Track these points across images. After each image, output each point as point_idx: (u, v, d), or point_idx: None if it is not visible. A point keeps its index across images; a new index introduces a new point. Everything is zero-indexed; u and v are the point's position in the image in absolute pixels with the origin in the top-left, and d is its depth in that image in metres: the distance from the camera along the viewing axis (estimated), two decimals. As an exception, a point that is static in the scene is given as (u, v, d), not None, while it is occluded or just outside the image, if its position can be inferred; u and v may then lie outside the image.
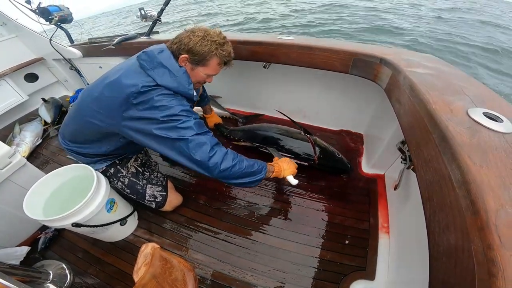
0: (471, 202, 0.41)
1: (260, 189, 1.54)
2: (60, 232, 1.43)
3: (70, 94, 2.86)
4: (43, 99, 2.52)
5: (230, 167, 1.00)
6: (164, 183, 1.41)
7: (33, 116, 2.52)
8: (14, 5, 1.97)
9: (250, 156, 1.14)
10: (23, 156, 1.51)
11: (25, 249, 1.27)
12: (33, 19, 2.07)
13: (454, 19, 10.40)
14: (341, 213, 1.38)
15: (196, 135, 0.96)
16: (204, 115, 1.90)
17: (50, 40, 2.19)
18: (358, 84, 1.48)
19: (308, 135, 1.56)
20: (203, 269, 1.21)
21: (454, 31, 8.59)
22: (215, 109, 2.00)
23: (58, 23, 2.08)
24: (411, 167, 1.05)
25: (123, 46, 1.93)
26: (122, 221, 1.27)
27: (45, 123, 2.40)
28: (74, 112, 1.16)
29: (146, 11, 1.89)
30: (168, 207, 1.39)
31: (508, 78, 5.60)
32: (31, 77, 2.57)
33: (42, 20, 2.06)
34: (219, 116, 2.00)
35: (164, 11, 1.87)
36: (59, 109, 2.50)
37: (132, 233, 1.39)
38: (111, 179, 1.28)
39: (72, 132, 1.19)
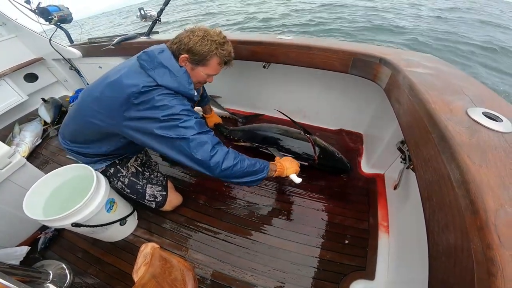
0: (471, 202, 0.41)
1: (260, 189, 1.54)
2: (60, 232, 1.43)
3: (70, 94, 2.85)
4: (43, 99, 2.52)
5: (231, 166, 1.00)
6: (164, 183, 1.41)
7: (32, 116, 2.52)
8: (14, 5, 1.97)
9: (250, 156, 1.14)
10: (23, 156, 1.51)
11: (25, 249, 1.27)
12: (32, 19, 2.07)
13: (454, 19, 10.40)
14: (341, 213, 1.38)
15: (197, 134, 0.96)
16: (204, 115, 1.90)
17: (50, 40, 2.19)
18: (358, 84, 1.48)
19: (308, 135, 1.56)
20: (203, 269, 1.21)
21: (453, 30, 8.60)
22: (214, 109, 2.00)
23: (58, 23, 2.08)
24: (411, 167, 1.05)
25: (123, 46, 1.93)
26: (122, 221, 1.27)
27: (45, 123, 2.41)
28: (74, 112, 1.16)
29: (146, 11, 1.89)
30: (168, 207, 1.39)
31: (507, 77, 5.60)
32: (31, 77, 2.57)
33: (41, 20, 2.06)
34: (219, 116, 2.00)
35: (164, 11, 1.87)
36: (59, 109, 2.50)
37: (132, 233, 1.40)
38: (111, 179, 1.28)
39: (72, 132, 1.19)
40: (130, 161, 1.35)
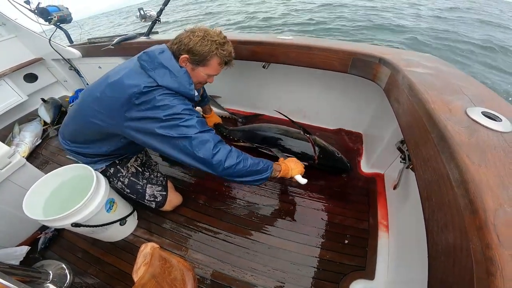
0: (470, 201, 0.41)
1: (259, 189, 1.54)
2: (59, 232, 1.43)
3: (70, 94, 2.85)
4: (43, 99, 2.52)
5: (234, 164, 1.00)
6: (164, 183, 1.41)
7: (32, 116, 2.52)
8: (13, 5, 1.97)
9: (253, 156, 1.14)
10: (23, 156, 1.51)
11: (25, 249, 1.27)
12: (32, 19, 2.07)
13: (454, 19, 10.41)
14: (341, 212, 1.38)
15: (199, 133, 0.96)
16: (204, 115, 1.90)
17: (50, 40, 2.19)
18: (357, 84, 1.48)
19: (308, 135, 1.56)
20: (202, 269, 1.21)
21: (453, 29, 8.61)
22: (214, 109, 2.01)
23: (57, 23, 2.08)
24: (410, 167, 1.05)
25: (123, 46, 1.93)
26: (122, 221, 1.27)
27: (45, 123, 2.40)
28: (74, 112, 1.16)
29: (145, 11, 1.89)
30: (168, 207, 1.39)
31: (507, 76, 5.61)
32: (31, 77, 2.57)
33: (41, 20, 2.06)
34: (219, 116, 2.00)
35: (163, 11, 1.87)
36: (59, 109, 2.50)
37: (131, 233, 1.40)
38: (110, 179, 1.28)
39: (72, 132, 1.19)
40: (130, 161, 1.35)
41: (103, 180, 1.18)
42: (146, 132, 0.97)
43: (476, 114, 0.60)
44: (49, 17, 2.02)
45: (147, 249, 0.63)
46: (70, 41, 2.48)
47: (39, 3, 1.98)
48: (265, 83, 1.92)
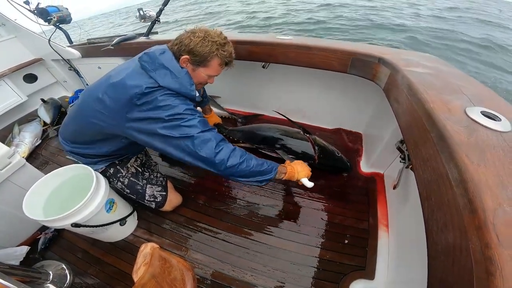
0: (469, 201, 0.41)
1: (260, 189, 1.54)
2: (59, 233, 1.43)
3: (69, 94, 2.85)
4: (42, 100, 2.52)
5: (237, 164, 0.99)
6: (164, 183, 1.41)
7: (32, 116, 2.52)
8: (13, 5, 1.97)
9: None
10: (23, 157, 1.50)
11: (25, 249, 1.27)
12: (31, 20, 2.07)
13: (453, 18, 10.42)
14: (341, 212, 1.38)
15: (201, 132, 0.96)
16: (204, 115, 1.90)
17: (49, 40, 2.19)
18: (357, 84, 1.48)
19: (308, 135, 1.56)
20: (202, 269, 1.21)
21: (452, 29, 8.62)
22: (214, 109, 2.00)
23: (57, 24, 2.07)
24: (410, 167, 1.05)
25: (122, 47, 1.93)
26: (122, 221, 1.28)
27: (44, 123, 2.40)
28: (75, 113, 1.16)
29: (145, 11, 1.89)
30: (167, 207, 1.39)
31: (507, 75, 5.61)
32: (30, 78, 2.57)
33: (40, 21, 2.06)
34: (218, 116, 2.00)
35: (163, 11, 1.87)
36: (58, 110, 2.50)
37: (131, 233, 1.39)
38: (110, 179, 1.28)
39: (72, 133, 1.19)
40: (130, 161, 1.35)
41: (103, 180, 1.18)
42: (148, 133, 0.97)
43: (475, 113, 0.60)
44: (48, 18, 2.02)
45: (147, 249, 0.63)
46: (70, 41, 2.48)
47: (38, 3, 1.98)
48: (264, 83, 1.92)
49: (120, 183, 1.29)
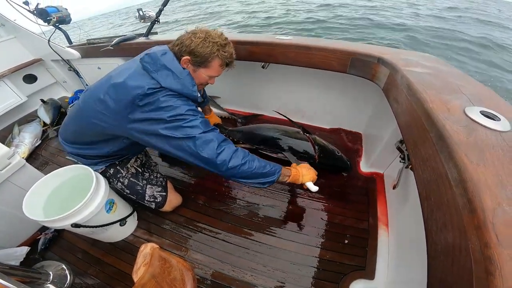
0: (468, 201, 0.41)
1: (259, 189, 1.54)
2: (59, 233, 1.43)
3: (69, 95, 2.85)
4: (42, 100, 2.51)
5: (239, 165, 0.99)
6: (163, 183, 1.41)
7: (32, 117, 2.52)
8: (12, 6, 1.97)
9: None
10: (22, 157, 1.51)
11: (25, 249, 1.27)
12: (31, 20, 2.07)
13: (453, 18, 10.43)
14: (341, 212, 1.38)
15: (202, 133, 0.96)
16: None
17: (49, 41, 2.19)
18: (356, 83, 1.48)
19: (308, 134, 1.56)
20: (202, 269, 1.21)
21: (452, 28, 8.63)
22: (214, 110, 2.00)
23: (56, 24, 2.07)
24: (410, 166, 1.05)
25: (122, 47, 1.93)
26: (122, 221, 1.28)
27: (44, 124, 2.40)
28: (75, 113, 1.16)
29: (145, 12, 1.89)
30: (167, 207, 1.39)
31: (506, 73, 5.62)
32: (30, 78, 2.57)
33: (40, 21, 2.05)
34: (218, 116, 2.00)
35: (163, 12, 1.87)
36: (58, 110, 2.50)
37: (131, 234, 1.39)
38: (110, 180, 1.28)
39: (72, 133, 1.19)
40: (130, 162, 1.35)
41: (102, 180, 1.18)
42: (150, 133, 0.97)
43: (474, 113, 0.60)
44: (48, 18, 2.01)
45: (147, 249, 0.63)
46: (69, 42, 2.48)
47: (38, 4, 1.98)
48: (264, 83, 1.92)
49: (120, 184, 1.29)
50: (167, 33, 3.34)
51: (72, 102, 2.59)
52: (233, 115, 2.12)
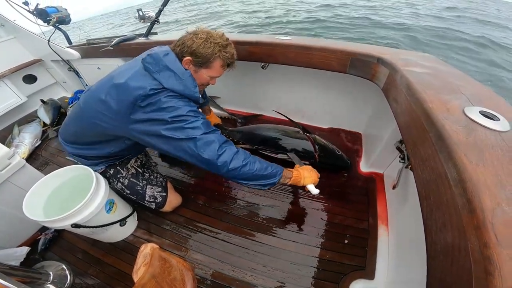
0: (468, 201, 0.41)
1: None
2: (59, 233, 1.43)
3: (69, 95, 2.85)
4: (42, 101, 2.52)
5: (239, 167, 0.99)
6: (164, 183, 1.41)
7: (32, 117, 2.52)
8: (12, 6, 1.97)
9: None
10: (22, 158, 1.51)
11: (25, 249, 1.27)
12: (31, 21, 2.07)
13: (452, 18, 10.44)
14: (341, 212, 1.38)
15: (204, 134, 0.96)
16: (203, 115, 1.90)
17: (48, 41, 2.19)
18: (356, 83, 1.48)
19: (308, 134, 1.56)
20: (202, 269, 1.21)
21: (451, 28, 8.63)
22: (213, 110, 2.00)
23: (56, 25, 2.07)
24: (409, 166, 1.05)
25: (122, 47, 1.93)
26: (122, 221, 1.28)
27: (44, 124, 2.40)
28: (76, 114, 1.15)
29: (144, 12, 1.88)
30: (167, 207, 1.39)
31: (506, 72, 5.63)
32: (30, 79, 2.57)
33: (40, 22, 2.05)
34: (218, 116, 2.00)
35: (162, 12, 1.87)
36: (58, 111, 2.50)
37: (131, 234, 1.40)
38: (110, 180, 1.28)
39: (73, 134, 1.19)
40: (130, 162, 1.35)
41: (102, 181, 1.18)
42: (151, 134, 0.97)
43: (474, 113, 0.60)
44: (47, 18, 2.01)
45: (147, 249, 0.63)
46: (69, 42, 2.47)
47: (37, 4, 1.98)
48: (264, 83, 1.92)
49: (120, 184, 1.29)
50: (167, 34, 3.35)
51: (72, 103, 2.59)
52: (233, 115, 2.12)
